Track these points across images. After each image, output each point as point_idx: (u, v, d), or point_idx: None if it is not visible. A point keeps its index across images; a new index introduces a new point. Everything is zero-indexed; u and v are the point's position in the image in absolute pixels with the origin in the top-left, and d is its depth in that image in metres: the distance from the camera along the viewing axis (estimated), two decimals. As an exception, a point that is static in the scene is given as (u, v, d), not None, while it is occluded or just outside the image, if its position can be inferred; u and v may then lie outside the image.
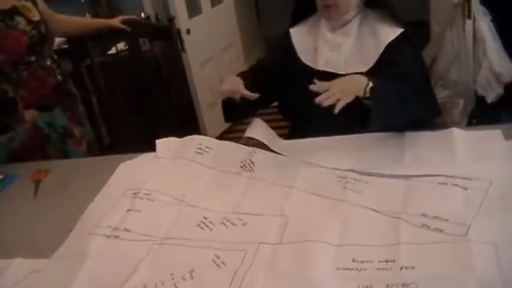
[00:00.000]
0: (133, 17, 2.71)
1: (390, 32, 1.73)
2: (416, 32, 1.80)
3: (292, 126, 2.02)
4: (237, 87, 1.72)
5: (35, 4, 2.05)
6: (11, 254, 1.40)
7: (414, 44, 1.78)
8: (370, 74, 1.65)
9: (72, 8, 3.43)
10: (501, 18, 2.63)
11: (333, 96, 1.47)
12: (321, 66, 1.79)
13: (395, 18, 1.76)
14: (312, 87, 1.55)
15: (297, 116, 1.93)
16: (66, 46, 3.12)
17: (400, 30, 1.73)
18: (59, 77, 2.11)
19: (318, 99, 1.48)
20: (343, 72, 1.72)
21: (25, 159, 2.01)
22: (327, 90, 1.50)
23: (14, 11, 1.95)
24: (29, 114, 2.01)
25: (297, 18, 1.92)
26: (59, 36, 2.20)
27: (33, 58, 1.99)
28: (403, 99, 1.56)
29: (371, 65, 1.72)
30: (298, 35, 1.89)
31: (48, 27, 2.07)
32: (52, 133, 2.10)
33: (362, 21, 1.78)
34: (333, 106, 1.47)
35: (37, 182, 1.78)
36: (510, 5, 2.57)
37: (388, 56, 1.70)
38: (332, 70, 1.76)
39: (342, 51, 1.76)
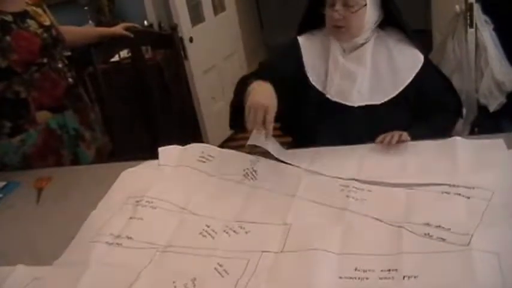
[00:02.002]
0: (136, 25, 2.72)
1: (409, 62, 1.69)
2: (418, 41, 1.77)
3: (293, 141, 1.94)
4: (270, 119, 1.45)
5: (44, 11, 2.09)
6: (13, 261, 1.39)
7: (431, 62, 1.77)
8: (387, 105, 1.68)
9: (75, 16, 3.44)
10: (503, 27, 2.63)
11: (395, 135, 1.58)
12: (332, 95, 1.72)
13: (410, 39, 1.71)
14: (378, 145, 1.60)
15: (300, 134, 1.86)
16: (69, 53, 3.13)
17: (420, 60, 1.70)
18: (70, 79, 2.13)
19: (383, 144, 1.57)
20: (355, 105, 1.69)
21: (39, 164, 2.01)
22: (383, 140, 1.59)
23: (25, 15, 1.99)
24: (41, 115, 2.03)
25: (305, 27, 1.82)
26: (65, 47, 2.22)
27: (45, 60, 2.01)
28: (438, 130, 1.70)
29: (387, 99, 1.69)
30: (308, 49, 1.78)
31: (59, 31, 2.10)
32: (64, 135, 2.11)
33: (376, 45, 1.71)
34: None
35: (39, 189, 1.78)
36: (512, 13, 2.58)
37: (413, 88, 1.69)
38: (343, 102, 1.70)
39: (356, 81, 1.69)
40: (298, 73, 1.76)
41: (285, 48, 1.85)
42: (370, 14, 1.67)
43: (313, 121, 1.75)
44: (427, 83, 1.71)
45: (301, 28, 1.83)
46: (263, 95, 1.47)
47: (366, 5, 1.64)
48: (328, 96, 1.71)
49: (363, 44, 1.70)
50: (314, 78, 1.74)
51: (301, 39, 1.80)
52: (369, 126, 1.68)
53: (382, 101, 1.68)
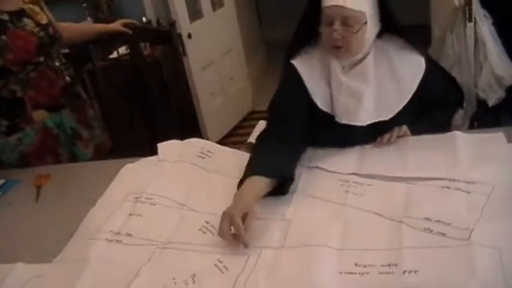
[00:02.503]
0: (134, 21, 2.71)
1: (411, 70, 1.62)
2: (417, 36, 1.74)
3: None
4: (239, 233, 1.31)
5: (42, 8, 2.07)
6: (12, 259, 1.39)
7: (432, 61, 1.72)
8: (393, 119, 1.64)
9: (73, 12, 3.44)
10: (502, 21, 2.62)
11: (395, 132, 1.61)
12: (340, 117, 1.62)
13: (409, 43, 1.63)
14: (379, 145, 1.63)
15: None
16: (67, 51, 3.13)
17: (421, 67, 1.62)
18: (67, 78, 2.12)
19: (384, 143, 1.61)
20: (364, 124, 1.61)
21: (36, 163, 2.00)
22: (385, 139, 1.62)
23: (21, 13, 1.97)
24: (38, 114, 2.02)
25: (298, 43, 1.68)
26: (63, 45, 2.21)
27: (41, 59, 2.00)
28: (438, 124, 1.71)
29: (393, 114, 1.62)
30: (307, 74, 1.64)
31: (56, 29, 2.09)
32: (61, 134, 2.11)
33: (376, 57, 1.60)
34: None
35: (38, 187, 1.78)
36: (511, 7, 2.57)
37: (417, 95, 1.63)
38: (352, 123, 1.61)
39: (362, 100, 1.59)
40: (307, 101, 1.64)
41: (286, 82, 1.70)
42: (371, 30, 1.56)
43: (318, 138, 1.69)
44: (430, 85, 1.65)
45: (294, 46, 1.68)
46: (235, 207, 1.35)
47: (366, 22, 1.53)
48: (336, 119, 1.63)
49: (363, 59, 1.60)
50: (321, 103, 1.63)
51: (297, 63, 1.64)
52: (375, 140, 1.65)
53: (390, 117, 1.62)
